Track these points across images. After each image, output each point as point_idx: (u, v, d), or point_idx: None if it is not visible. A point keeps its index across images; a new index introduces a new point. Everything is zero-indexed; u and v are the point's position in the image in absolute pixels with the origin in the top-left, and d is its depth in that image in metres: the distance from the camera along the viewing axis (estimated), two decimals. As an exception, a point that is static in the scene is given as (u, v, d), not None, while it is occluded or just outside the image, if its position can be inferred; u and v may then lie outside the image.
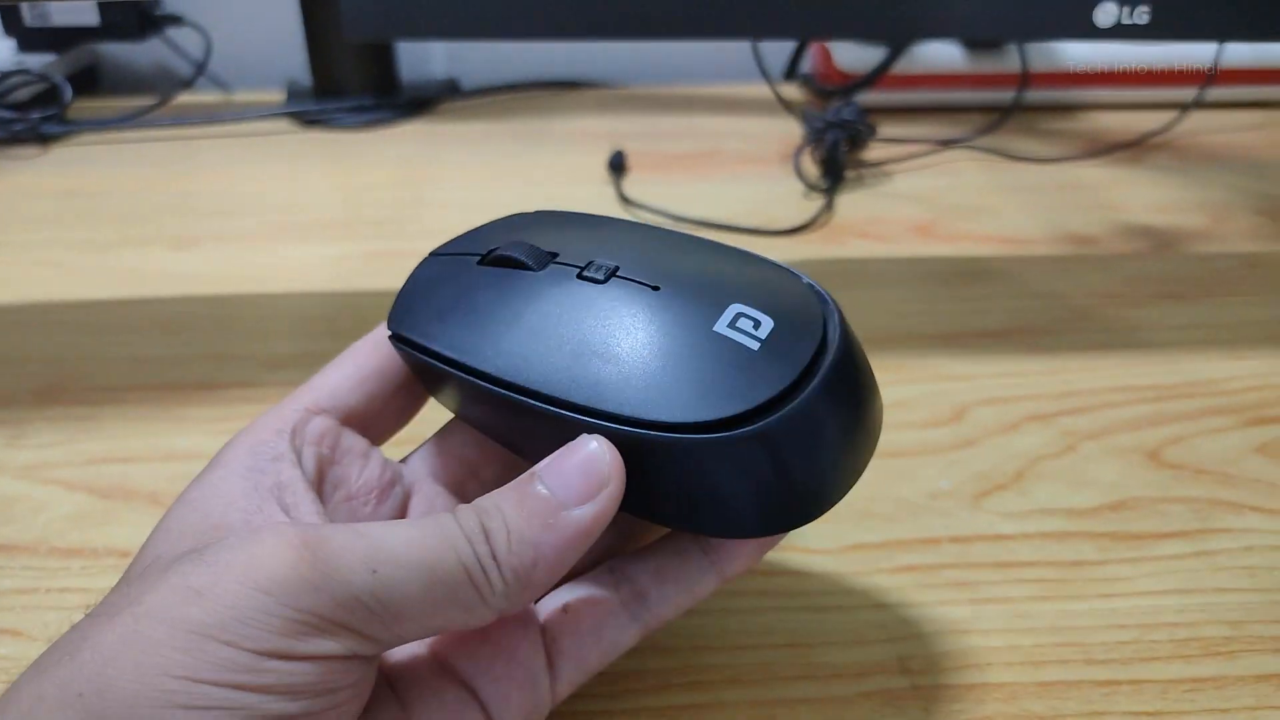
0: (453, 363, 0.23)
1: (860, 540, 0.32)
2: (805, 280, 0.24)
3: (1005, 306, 0.46)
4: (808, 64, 0.77)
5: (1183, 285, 0.48)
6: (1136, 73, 0.72)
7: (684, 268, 0.24)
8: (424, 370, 0.25)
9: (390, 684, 0.22)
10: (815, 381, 0.21)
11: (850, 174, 0.62)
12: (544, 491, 0.20)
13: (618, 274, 0.23)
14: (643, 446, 0.21)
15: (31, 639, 0.28)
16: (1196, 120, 0.69)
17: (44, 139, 0.67)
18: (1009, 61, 0.70)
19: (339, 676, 0.19)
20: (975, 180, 0.61)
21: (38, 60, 0.74)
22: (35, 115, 0.67)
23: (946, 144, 0.66)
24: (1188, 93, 0.69)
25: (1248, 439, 0.37)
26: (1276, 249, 0.52)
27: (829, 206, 0.57)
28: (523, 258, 0.24)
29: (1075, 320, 0.45)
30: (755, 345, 0.21)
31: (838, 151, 0.60)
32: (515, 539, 0.20)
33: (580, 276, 0.23)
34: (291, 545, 0.18)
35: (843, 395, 0.22)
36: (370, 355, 0.26)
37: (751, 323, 0.22)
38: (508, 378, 0.22)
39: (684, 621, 0.28)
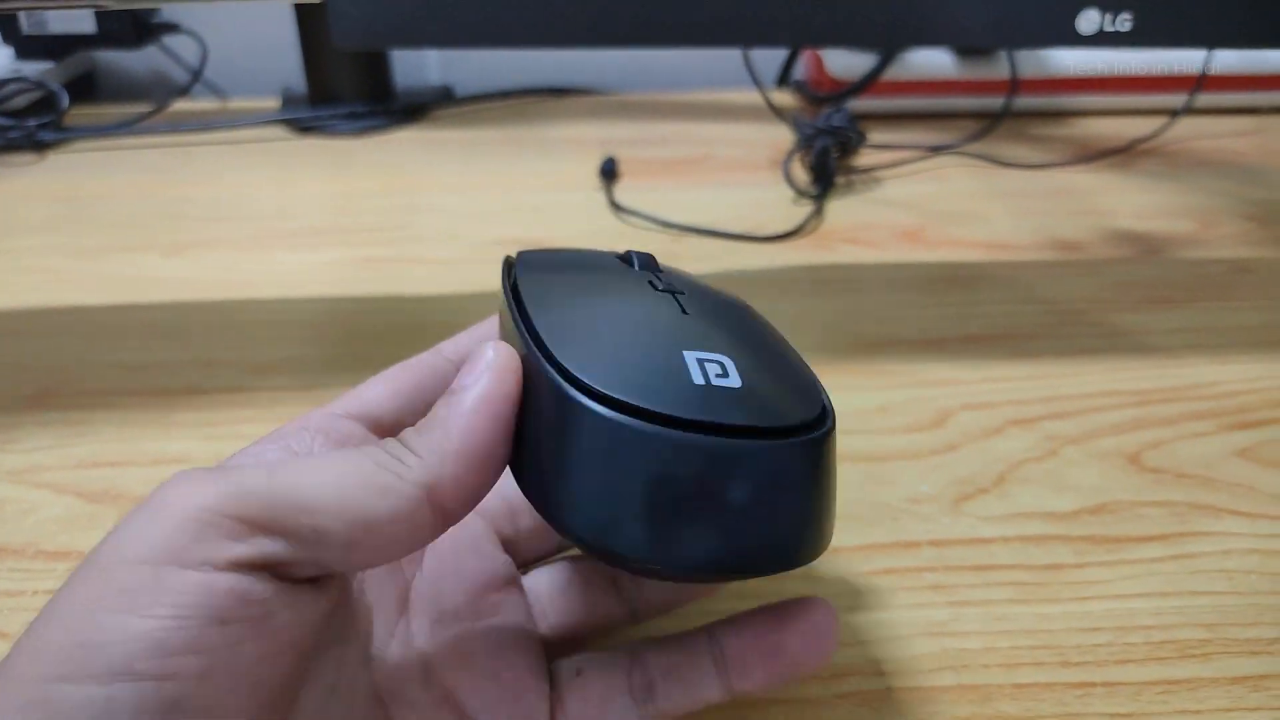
0: (521, 312, 0.23)
1: (839, 543, 0.32)
2: (823, 400, 0.23)
3: (991, 312, 0.46)
4: (800, 71, 0.78)
5: (1169, 290, 0.48)
6: (1126, 79, 0.72)
7: (729, 326, 0.24)
8: (502, 314, 0.25)
9: (388, 711, 0.22)
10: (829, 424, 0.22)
11: (840, 180, 0.62)
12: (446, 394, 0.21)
13: (675, 294, 0.24)
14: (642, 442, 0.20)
15: (18, 641, 0.28)
16: (1186, 126, 0.70)
17: (40, 146, 0.68)
18: (999, 68, 0.71)
19: (241, 598, 0.18)
20: (964, 186, 0.61)
21: (35, 68, 0.74)
22: (32, 123, 0.67)
23: (936, 150, 0.66)
24: (1177, 99, 0.70)
25: (1229, 443, 0.37)
26: (1263, 254, 0.52)
27: (818, 212, 0.57)
28: (634, 258, 0.27)
29: (1061, 325, 0.45)
30: (701, 382, 0.21)
31: (827, 158, 0.61)
32: (421, 424, 0.21)
33: (650, 282, 0.25)
34: (191, 476, 0.19)
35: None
36: (414, 371, 0.26)
37: (719, 371, 0.21)
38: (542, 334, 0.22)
39: (662, 619, 0.28)
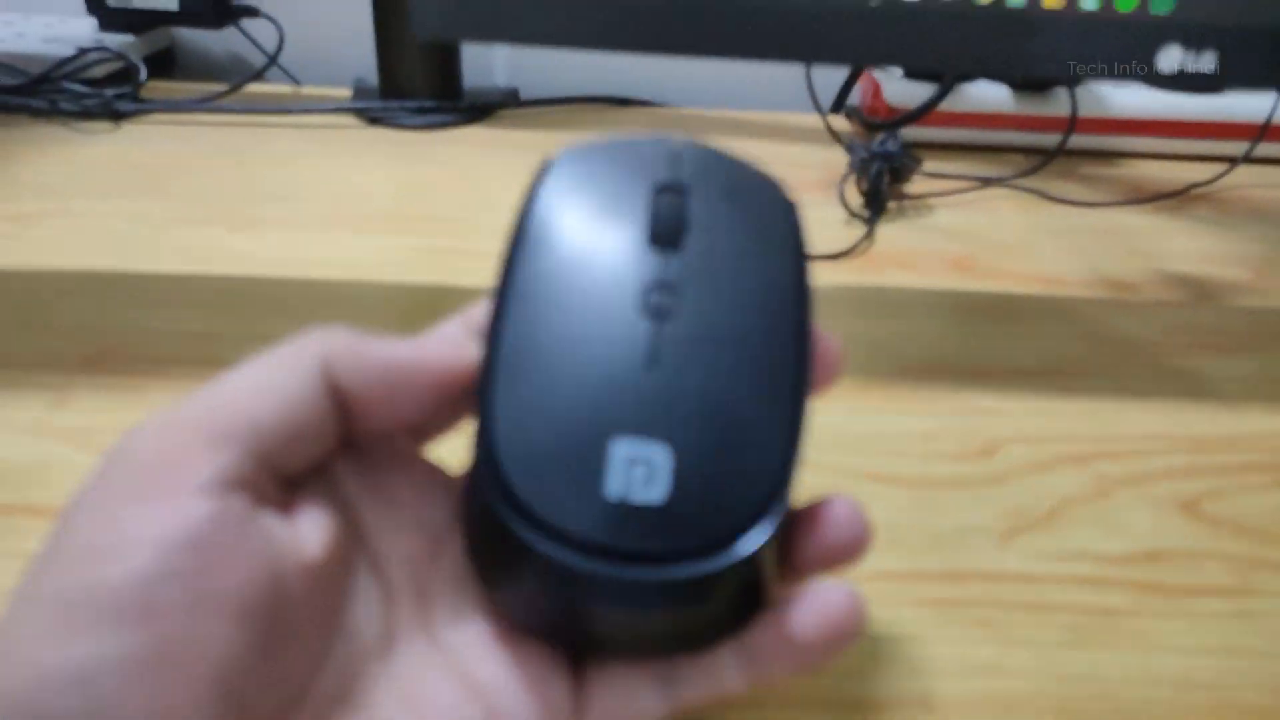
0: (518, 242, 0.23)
1: (886, 567, 0.32)
2: (777, 494, 0.21)
3: (1040, 345, 0.46)
4: (856, 97, 0.78)
5: (1224, 337, 0.48)
6: (1183, 124, 0.71)
7: (714, 362, 0.22)
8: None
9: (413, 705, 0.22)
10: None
11: (892, 205, 0.62)
12: None
13: (662, 317, 0.22)
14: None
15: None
16: (1242, 174, 0.69)
17: (117, 115, 0.68)
18: (1055, 105, 0.70)
19: (219, 520, 0.19)
20: (1016, 219, 0.61)
21: (116, 40, 0.75)
22: (110, 92, 0.68)
23: (989, 182, 0.66)
24: (1233, 146, 0.69)
25: (1283, 497, 0.36)
26: (1320, 309, 0.51)
27: (869, 236, 0.57)
28: (659, 223, 0.23)
29: (1112, 364, 0.44)
30: (618, 495, 0.20)
31: (881, 182, 0.60)
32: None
33: (641, 291, 0.22)
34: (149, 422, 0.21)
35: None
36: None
37: (647, 476, 0.20)
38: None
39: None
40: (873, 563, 0.32)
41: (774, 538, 0.20)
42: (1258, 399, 0.42)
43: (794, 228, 0.24)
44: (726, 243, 0.23)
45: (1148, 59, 0.40)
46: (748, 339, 0.22)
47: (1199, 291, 0.53)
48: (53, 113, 0.68)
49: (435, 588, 0.23)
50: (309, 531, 0.21)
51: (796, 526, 0.22)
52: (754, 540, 0.20)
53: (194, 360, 0.41)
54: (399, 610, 0.23)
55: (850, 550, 0.22)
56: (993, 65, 0.41)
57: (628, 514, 0.20)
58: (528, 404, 0.21)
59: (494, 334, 0.22)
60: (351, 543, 0.23)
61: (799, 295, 0.23)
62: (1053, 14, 0.40)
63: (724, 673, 0.22)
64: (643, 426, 0.20)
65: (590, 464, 0.20)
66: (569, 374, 0.21)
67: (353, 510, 0.23)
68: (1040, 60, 0.41)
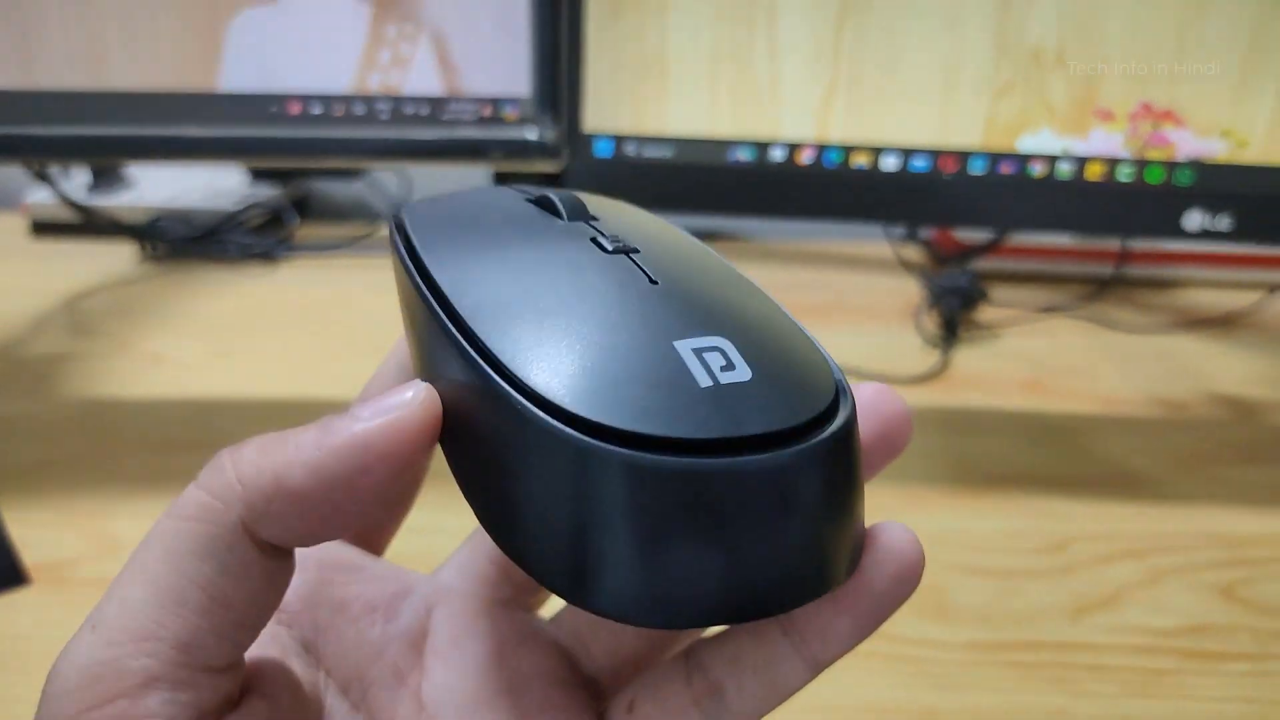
0: (418, 264, 0.21)
1: (976, 639, 0.39)
2: (836, 375, 0.20)
3: (1103, 457, 0.53)
4: (926, 231, 0.87)
5: (1263, 451, 0.55)
6: (1229, 255, 0.79)
7: (708, 288, 0.21)
8: (397, 271, 0.23)
9: None
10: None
11: (964, 333, 0.70)
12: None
13: (630, 254, 0.21)
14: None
15: None
16: (1284, 302, 0.76)
17: (273, 259, 0.80)
18: (1110, 239, 0.79)
19: None
20: (1077, 345, 0.69)
21: (264, 191, 0.87)
22: (269, 240, 0.80)
23: (1050, 310, 0.74)
24: (1274, 275, 0.76)
25: (1311, 585, 0.43)
26: (1350, 424, 0.58)
27: (945, 361, 0.65)
28: (560, 204, 0.23)
29: (1164, 474, 0.52)
30: (708, 382, 0.17)
31: (954, 313, 0.69)
32: (265, 445, 0.18)
33: (594, 240, 0.21)
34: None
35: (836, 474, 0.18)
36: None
37: (723, 361, 0.18)
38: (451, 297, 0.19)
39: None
40: (964, 635, 0.39)
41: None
42: (1289, 502, 0.49)
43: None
44: (628, 219, 0.23)
45: (1175, 221, 0.49)
46: (713, 268, 0.22)
47: (1240, 411, 0.60)
48: (221, 258, 0.79)
49: (435, 705, 0.22)
50: (256, 708, 0.19)
51: None
52: (848, 403, 0.19)
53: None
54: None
55: (907, 579, 0.19)
56: (1042, 226, 0.50)
57: (731, 396, 0.17)
58: (559, 361, 0.17)
59: (465, 343, 0.18)
60: (310, 683, 0.22)
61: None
62: (1094, 184, 0.49)
63: (779, 663, 0.20)
64: (690, 327, 0.18)
65: (669, 366, 0.17)
66: (586, 319, 0.18)
67: (310, 646, 0.22)
68: (1085, 222, 0.49)
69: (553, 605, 0.24)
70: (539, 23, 0.49)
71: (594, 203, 0.24)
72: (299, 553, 0.20)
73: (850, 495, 0.18)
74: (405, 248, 0.22)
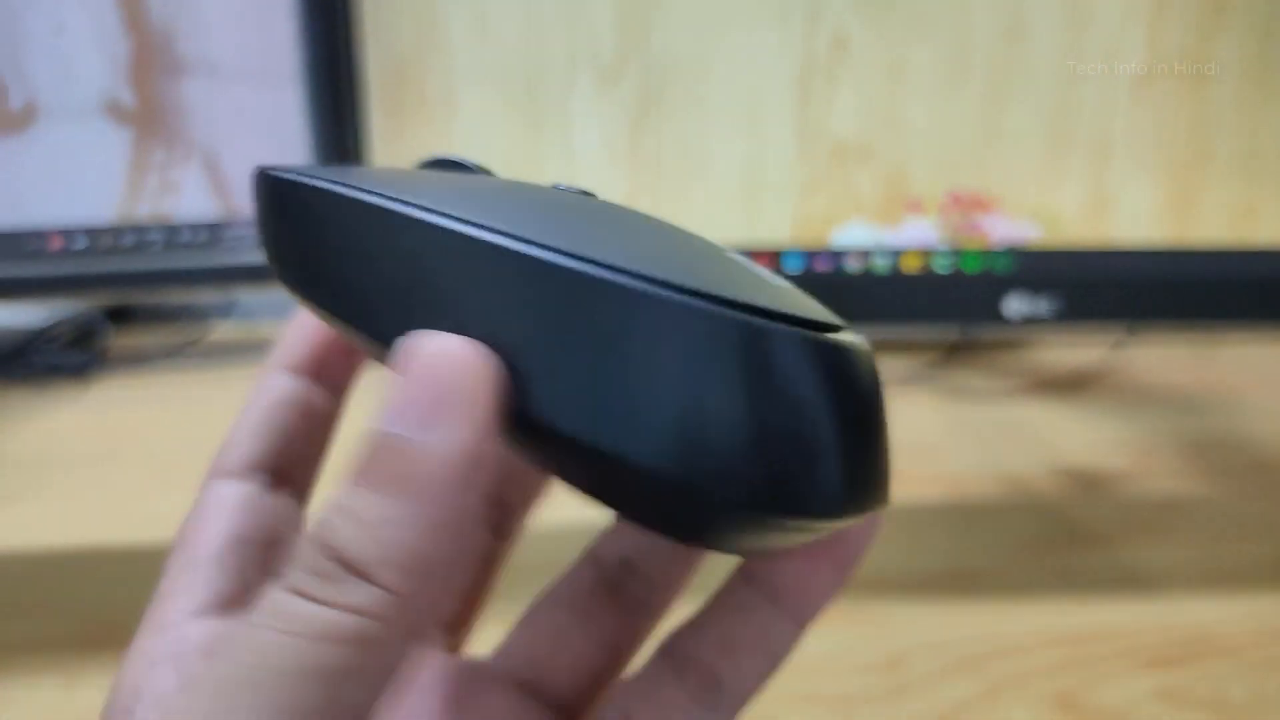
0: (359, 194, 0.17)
1: (803, 787, 0.37)
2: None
3: (946, 552, 0.52)
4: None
5: (1103, 528, 0.54)
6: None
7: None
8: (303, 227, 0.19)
9: None
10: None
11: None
12: (386, 431, 0.15)
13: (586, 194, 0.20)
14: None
15: None
16: (1131, 355, 0.77)
17: (85, 378, 0.74)
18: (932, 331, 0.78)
19: None
20: (926, 419, 0.68)
21: (76, 302, 0.82)
22: (79, 358, 0.75)
23: (903, 382, 0.73)
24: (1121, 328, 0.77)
25: (1146, 684, 0.42)
26: (1188, 491, 0.58)
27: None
28: (471, 165, 0.21)
29: (1006, 566, 0.50)
30: (780, 282, 0.18)
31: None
32: (359, 537, 0.15)
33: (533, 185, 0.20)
34: None
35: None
36: (267, 411, 0.24)
37: (761, 269, 0.19)
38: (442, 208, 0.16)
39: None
40: (789, 781, 0.37)
41: None
42: (1123, 589, 0.48)
43: None
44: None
45: (995, 309, 0.48)
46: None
47: (1086, 483, 0.59)
48: (25, 381, 0.74)
49: None
50: None
51: None
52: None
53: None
54: None
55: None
56: (863, 321, 0.49)
57: (802, 300, 0.18)
58: (657, 258, 0.16)
59: (544, 250, 0.15)
60: None
61: None
62: (911, 277, 0.47)
63: (770, 632, 0.20)
64: (707, 243, 0.18)
65: (734, 263, 0.18)
66: (625, 226, 0.18)
67: None
68: (905, 315, 0.48)
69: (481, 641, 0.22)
70: (318, 140, 0.46)
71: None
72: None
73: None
74: (323, 184, 0.18)
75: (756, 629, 0.20)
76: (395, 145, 0.46)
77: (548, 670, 0.22)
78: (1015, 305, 0.48)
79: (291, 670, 0.14)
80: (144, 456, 0.62)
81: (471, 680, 0.22)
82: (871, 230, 0.47)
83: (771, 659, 0.20)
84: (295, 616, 0.14)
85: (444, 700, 0.21)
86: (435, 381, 0.15)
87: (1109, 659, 0.43)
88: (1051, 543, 0.52)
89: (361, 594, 0.14)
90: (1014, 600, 0.47)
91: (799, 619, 0.20)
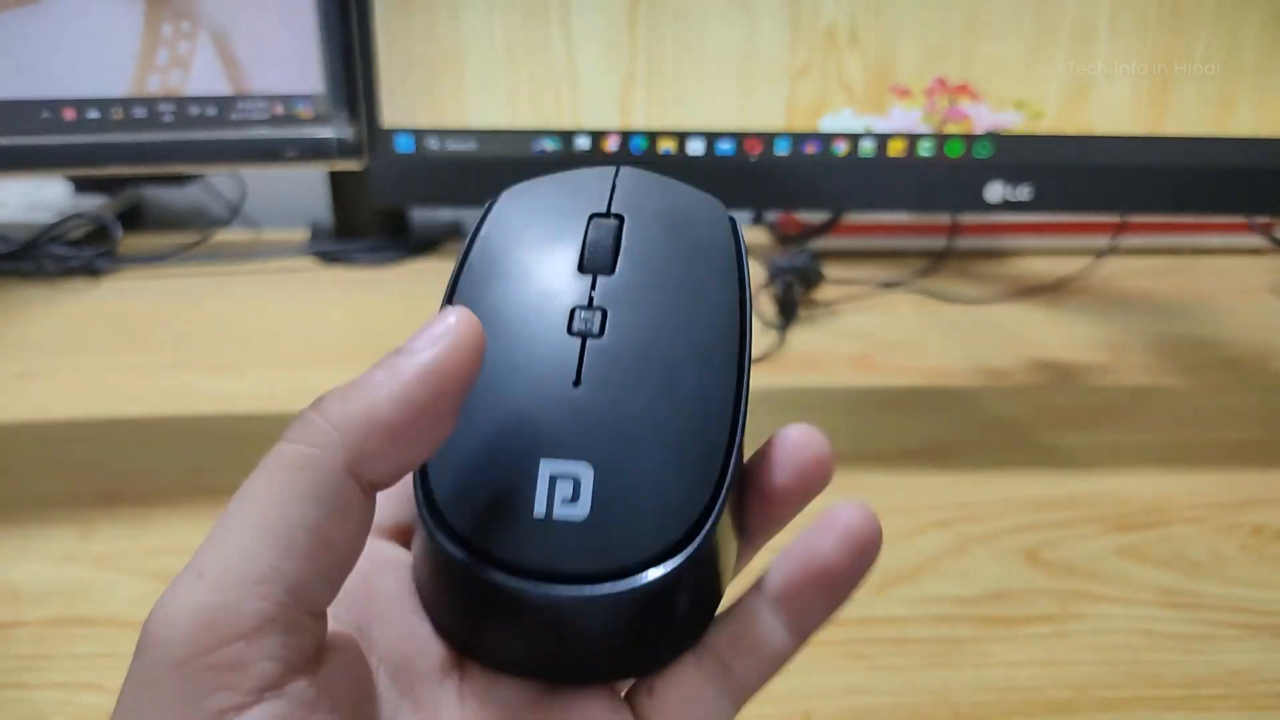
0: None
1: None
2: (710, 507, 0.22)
3: (922, 429, 0.54)
4: (771, 213, 0.87)
5: (1077, 413, 0.56)
6: (1057, 223, 0.81)
7: (639, 384, 0.22)
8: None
9: None
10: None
11: (803, 312, 0.70)
12: (403, 344, 0.20)
13: (588, 338, 0.22)
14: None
15: (109, 693, 0.35)
16: (1111, 265, 0.79)
17: (95, 273, 0.76)
18: (914, 214, 0.80)
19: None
20: (909, 319, 0.70)
21: (90, 201, 0.83)
22: (89, 253, 0.76)
23: (888, 286, 0.75)
24: (1103, 240, 0.79)
25: (1110, 543, 0.44)
26: (1159, 383, 0.60)
27: (782, 342, 0.65)
28: (589, 250, 0.24)
29: (981, 442, 0.53)
30: (541, 513, 0.21)
31: (791, 292, 0.69)
32: (348, 387, 0.20)
33: (573, 312, 0.23)
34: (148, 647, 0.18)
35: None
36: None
37: (568, 493, 0.21)
38: None
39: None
40: (770, 617, 0.39)
41: (704, 555, 0.21)
42: (1095, 464, 0.50)
43: (730, 243, 0.25)
44: (659, 264, 0.24)
45: (978, 194, 0.49)
46: (679, 355, 0.22)
47: (1061, 375, 0.61)
48: (39, 275, 0.75)
49: (468, 689, 0.23)
50: (339, 663, 0.20)
51: (758, 465, 0.23)
52: (668, 566, 0.20)
53: (196, 491, 0.48)
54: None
55: (814, 472, 0.23)
56: (849, 204, 0.51)
57: (554, 533, 0.20)
58: (461, 436, 0.21)
59: None
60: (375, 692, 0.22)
61: (734, 307, 0.24)
62: (896, 161, 0.49)
63: (771, 638, 0.22)
64: (567, 446, 0.21)
65: (519, 486, 0.21)
66: (499, 399, 0.21)
67: (363, 632, 0.22)
68: (890, 199, 0.50)
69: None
70: (325, 16, 0.47)
71: (642, 235, 0.24)
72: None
73: (642, 634, 0.22)
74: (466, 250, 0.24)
75: (759, 633, 0.23)
76: (401, 23, 0.47)
77: None
78: (996, 190, 0.49)
79: (259, 495, 0.19)
80: (152, 343, 0.64)
81: None
82: (860, 118, 0.49)
83: (772, 661, 0.23)
84: (270, 454, 0.19)
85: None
86: (443, 327, 0.20)
87: (1075, 523, 0.46)
88: (1025, 424, 0.55)
89: (311, 431, 0.19)
90: (986, 472, 0.50)
91: (797, 631, 0.23)
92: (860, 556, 0.22)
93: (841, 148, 0.49)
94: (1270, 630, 0.39)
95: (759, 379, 0.60)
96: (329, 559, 0.19)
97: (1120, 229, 0.76)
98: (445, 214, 0.93)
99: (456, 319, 0.20)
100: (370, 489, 0.20)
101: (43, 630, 0.38)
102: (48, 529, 0.45)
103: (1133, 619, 0.40)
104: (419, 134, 0.49)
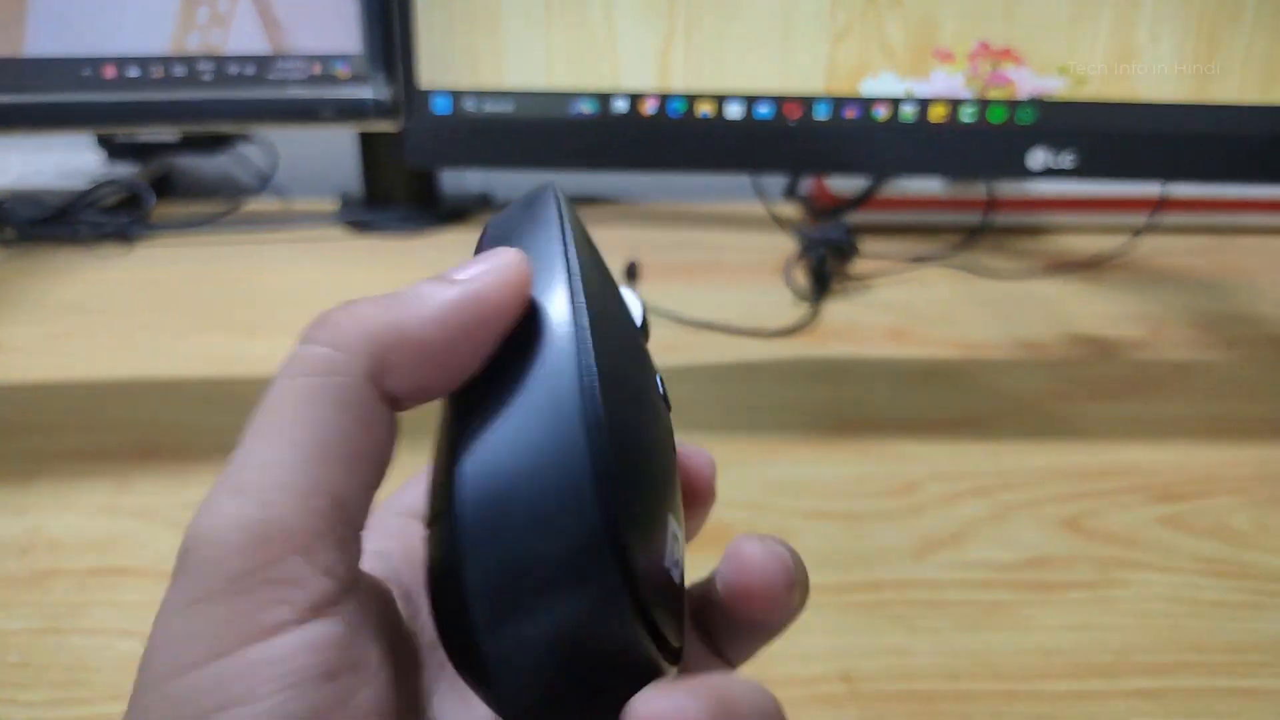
0: None
1: (817, 581, 0.38)
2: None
3: (958, 401, 0.53)
4: (804, 186, 0.87)
5: (1116, 385, 0.55)
6: (1095, 200, 0.80)
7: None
8: None
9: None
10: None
11: (836, 286, 0.70)
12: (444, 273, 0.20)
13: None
14: None
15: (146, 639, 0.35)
16: (1150, 243, 0.78)
17: (129, 239, 0.76)
18: (980, 188, 0.79)
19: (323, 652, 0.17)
20: (944, 293, 0.69)
21: (122, 169, 0.84)
22: (123, 219, 0.76)
23: (921, 260, 0.74)
24: (1141, 218, 0.78)
25: (1151, 513, 0.44)
26: (1200, 357, 0.59)
27: (815, 313, 0.65)
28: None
29: (1019, 413, 0.52)
30: None
31: (824, 265, 0.69)
32: (377, 301, 0.19)
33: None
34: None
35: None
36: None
37: None
38: None
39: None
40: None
41: None
42: (1135, 435, 0.50)
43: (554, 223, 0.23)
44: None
45: (1019, 160, 0.49)
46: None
47: (1099, 349, 0.60)
48: (73, 240, 0.76)
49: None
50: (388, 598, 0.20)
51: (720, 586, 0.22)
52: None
53: (226, 448, 0.47)
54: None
55: (773, 585, 0.21)
56: (891, 169, 0.50)
57: None
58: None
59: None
60: (407, 626, 0.22)
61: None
62: (938, 126, 0.48)
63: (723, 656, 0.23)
64: None
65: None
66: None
67: (408, 596, 0.22)
68: (931, 164, 0.49)
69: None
70: (363, -26, 0.47)
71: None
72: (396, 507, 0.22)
73: None
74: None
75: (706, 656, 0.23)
76: (438, -19, 0.47)
77: None
78: (1039, 157, 0.49)
79: (286, 405, 0.18)
80: (183, 307, 0.64)
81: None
82: (902, 82, 0.48)
83: (767, 633, 0.23)
84: (291, 358, 0.19)
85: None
86: (493, 261, 0.20)
87: (1116, 493, 0.45)
88: (1064, 396, 0.54)
89: (335, 331, 0.19)
90: (1025, 442, 0.49)
91: (735, 652, 0.23)
92: (772, 584, 0.22)
93: (882, 112, 0.49)
94: (1316, 601, 0.38)
95: (792, 349, 0.60)
96: (363, 470, 0.18)
97: (1159, 206, 0.75)
98: (475, 183, 0.93)
99: (508, 257, 0.20)
100: (391, 403, 0.19)
101: (81, 579, 0.39)
102: (86, 482, 0.45)
103: (1175, 586, 0.39)
104: (456, 95, 0.49)
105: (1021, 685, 0.34)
